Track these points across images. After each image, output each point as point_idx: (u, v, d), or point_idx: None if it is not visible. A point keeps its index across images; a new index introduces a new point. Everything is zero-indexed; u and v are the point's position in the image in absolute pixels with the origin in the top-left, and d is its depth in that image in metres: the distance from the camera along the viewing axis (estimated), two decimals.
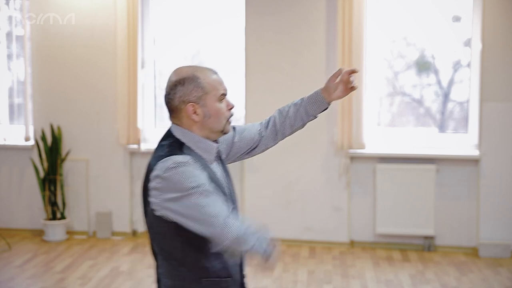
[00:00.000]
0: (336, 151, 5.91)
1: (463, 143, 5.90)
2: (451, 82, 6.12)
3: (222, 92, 2.28)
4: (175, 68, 2.31)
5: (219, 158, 2.42)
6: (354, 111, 5.73)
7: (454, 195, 5.82)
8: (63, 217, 6.23)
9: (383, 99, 6.18)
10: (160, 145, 2.30)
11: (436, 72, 6.12)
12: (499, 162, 5.73)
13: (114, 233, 6.30)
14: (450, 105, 6.18)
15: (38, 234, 6.35)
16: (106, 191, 6.30)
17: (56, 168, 6.14)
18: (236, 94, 6.27)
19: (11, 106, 6.58)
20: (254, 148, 2.62)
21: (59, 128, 6.21)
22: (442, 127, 6.14)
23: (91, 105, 6.24)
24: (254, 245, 2.13)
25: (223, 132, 2.32)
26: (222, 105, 2.28)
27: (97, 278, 5.14)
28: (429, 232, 5.80)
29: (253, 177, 6.06)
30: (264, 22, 5.96)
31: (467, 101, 5.94)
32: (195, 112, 2.25)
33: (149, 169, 2.23)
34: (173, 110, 2.29)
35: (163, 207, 2.17)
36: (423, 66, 6.13)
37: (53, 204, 6.19)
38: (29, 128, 6.28)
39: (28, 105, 6.27)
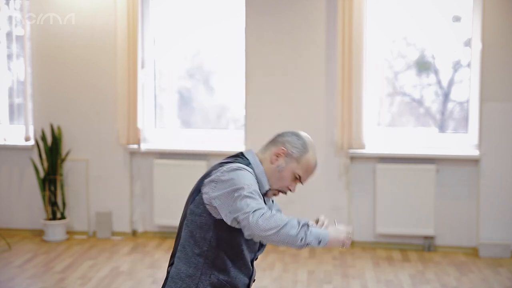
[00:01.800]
0: (336, 151, 5.91)
1: (463, 143, 5.90)
2: (451, 82, 6.12)
3: (300, 174, 2.53)
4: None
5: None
6: (354, 111, 5.73)
7: (454, 195, 5.82)
8: (63, 217, 6.23)
9: (383, 99, 6.18)
10: (230, 156, 2.56)
11: (436, 72, 6.12)
12: (499, 162, 5.73)
13: (114, 233, 6.30)
14: (450, 105, 6.18)
15: (38, 234, 6.35)
16: (106, 191, 6.30)
17: (56, 168, 6.14)
18: (236, 94, 6.28)
19: (11, 106, 6.58)
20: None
21: (59, 128, 6.21)
22: (442, 127, 6.14)
23: (91, 105, 6.24)
24: (304, 238, 2.29)
25: (267, 192, 2.54)
26: (290, 180, 2.54)
27: (97, 278, 5.14)
28: (429, 232, 5.80)
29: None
30: (264, 22, 5.96)
31: (467, 101, 5.94)
32: (278, 157, 2.53)
33: (214, 167, 2.48)
34: (272, 142, 2.58)
35: (213, 198, 2.39)
36: (423, 66, 6.13)
37: (53, 204, 6.19)
38: (29, 128, 6.28)
39: (28, 105, 6.27)
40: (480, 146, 5.75)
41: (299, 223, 2.30)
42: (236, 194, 2.32)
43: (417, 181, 5.80)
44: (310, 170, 2.55)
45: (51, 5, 6.16)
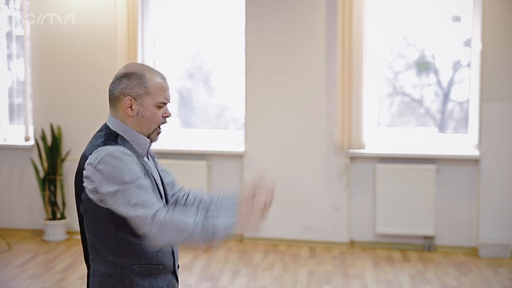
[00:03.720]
0: (336, 151, 5.91)
1: (463, 143, 5.90)
2: (451, 82, 6.12)
3: (162, 100, 2.33)
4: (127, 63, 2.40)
5: (149, 154, 2.44)
6: (354, 111, 5.73)
7: (454, 195, 5.82)
8: (63, 217, 6.23)
9: (383, 99, 6.18)
10: (95, 135, 2.34)
11: (436, 72, 6.12)
12: (499, 162, 5.73)
13: None
14: (450, 105, 6.18)
15: (38, 234, 6.35)
16: None
17: (56, 168, 6.14)
18: (236, 94, 6.28)
19: (11, 106, 6.58)
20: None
21: (59, 128, 6.21)
22: (442, 127, 6.14)
23: (91, 105, 6.24)
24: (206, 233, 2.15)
25: (150, 137, 2.36)
26: (158, 111, 2.34)
27: None
28: (429, 232, 5.80)
29: (253, 177, 6.04)
30: (264, 22, 5.96)
31: (467, 101, 5.94)
32: (130, 107, 2.31)
33: (83, 157, 2.26)
34: (113, 99, 2.34)
35: (97, 196, 2.20)
36: (423, 66, 6.13)
37: (53, 204, 6.18)
38: (29, 128, 6.28)
39: (28, 105, 6.27)
40: (480, 146, 5.75)
41: (203, 226, 2.16)
42: (119, 197, 2.16)
43: (417, 181, 5.80)
44: (163, 87, 2.33)
45: (51, 5, 6.16)
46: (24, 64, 6.32)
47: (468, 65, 5.90)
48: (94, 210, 2.23)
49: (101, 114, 6.21)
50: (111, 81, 2.36)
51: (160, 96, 2.32)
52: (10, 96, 6.58)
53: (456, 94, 6.14)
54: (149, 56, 6.22)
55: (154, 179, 2.34)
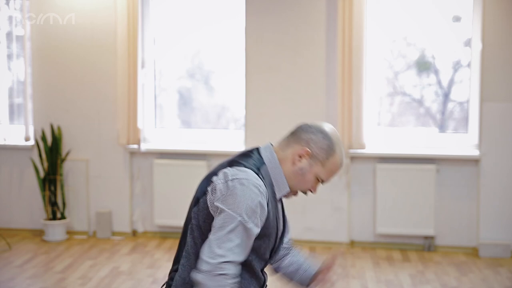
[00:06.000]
0: None
1: (463, 143, 5.90)
2: (451, 82, 6.12)
3: (323, 178, 2.30)
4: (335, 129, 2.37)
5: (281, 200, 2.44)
6: (354, 111, 5.73)
7: (454, 195, 5.83)
8: (63, 217, 6.23)
9: (383, 99, 6.18)
10: (244, 153, 2.33)
11: (436, 72, 6.12)
12: (499, 162, 5.73)
13: (114, 233, 6.30)
14: (450, 105, 6.18)
15: (38, 234, 6.35)
16: (106, 191, 6.30)
17: (56, 168, 6.14)
18: (236, 94, 6.28)
19: (11, 106, 6.58)
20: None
21: (59, 128, 6.21)
22: (442, 127, 6.14)
23: (91, 105, 6.24)
24: None
25: (288, 192, 2.34)
26: (313, 183, 2.31)
27: (97, 278, 5.13)
28: (429, 232, 5.80)
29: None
30: (264, 22, 5.96)
31: (467, 101, 5.94)
32: (300, 158, 2.28)
33: (222, 165, 2.27)
34: (295, 137, 2.31)
35: (211, 204, 2.20)
36: (423, 66, 6.13)
37: (53, 204, 6.19)
38: (29, 128, 6.28)
39: (28, 105, 6.27)
40: (480, 146, 5.75)
41: None
42: (220, 217, 2.14)
43: (417, 181, 5.80)
44: (335, 172, 2.32)
45: (51, 5, 6.16)
46: (24, 64, 6.31)
47: (468, 65, 5.90)
48: (204, 218, 2.21)
49: (101, 114, 6.23)
50: (308, 124, 2.33)
51: (326, 174, 2.30)
52: (10, 96, 6.58)
53: (456, 94, 6.14)
54: (149, 56, 6.22)
55: (277, 227, 2.33)
